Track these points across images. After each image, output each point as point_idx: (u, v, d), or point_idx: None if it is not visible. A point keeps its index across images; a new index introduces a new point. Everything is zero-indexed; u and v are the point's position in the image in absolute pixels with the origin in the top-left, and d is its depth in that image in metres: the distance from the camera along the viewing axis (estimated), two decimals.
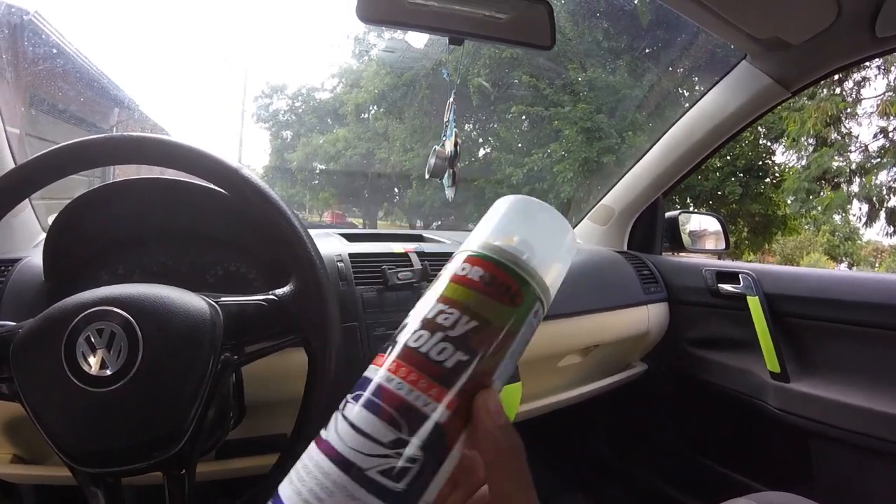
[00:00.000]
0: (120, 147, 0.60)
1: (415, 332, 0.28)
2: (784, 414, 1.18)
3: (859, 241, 10.06)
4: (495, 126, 11.52)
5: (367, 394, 0.27)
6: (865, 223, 8.86)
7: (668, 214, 1.61)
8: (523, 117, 10.77)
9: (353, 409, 0.26)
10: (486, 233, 0.31)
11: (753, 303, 1.23)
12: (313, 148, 13.70)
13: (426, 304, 0.29)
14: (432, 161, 0.90)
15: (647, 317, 1.37)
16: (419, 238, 1.15)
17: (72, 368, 0.48)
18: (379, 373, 0.27)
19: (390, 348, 0.28)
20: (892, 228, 8.62)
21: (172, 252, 0.84)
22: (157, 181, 0.75)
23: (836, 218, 9.53)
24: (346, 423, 0.26)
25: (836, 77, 8.28)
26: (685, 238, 1.61)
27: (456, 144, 0.88)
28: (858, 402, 1.07)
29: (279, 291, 0.60)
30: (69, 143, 0.59)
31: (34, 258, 0.79)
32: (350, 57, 15.26)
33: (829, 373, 1.16)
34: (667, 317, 1.45)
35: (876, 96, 8.22)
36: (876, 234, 9.30)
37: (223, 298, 0.57)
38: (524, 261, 0.30)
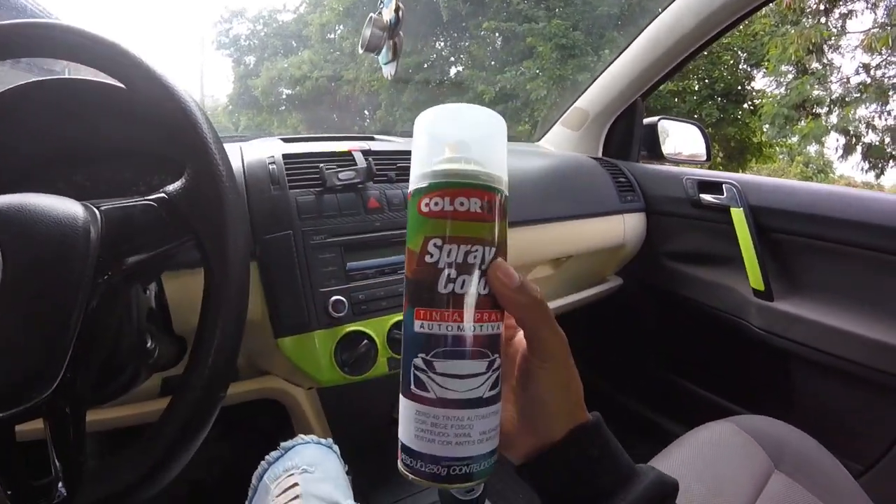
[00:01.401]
0: None
1: (456, 279, 0.31)
2: (766, 334, 1.14)
3: (832, 175, 10.20)
4: (467, 44, 11.25)
5: (450, 348, 0.31)
6: (841, 156, 8.98)
7: (646, 121, 1.51)
8: (496, 34, 10.52)
9: (446, 364, 0.31)
10: (445, 158, 0.33)
11: (737, 215, 1.16)
12: (278, 72, 13.32)
13: (448, 248, 0.31)
14: (367, 32, 0.76)
15: (623, 227, 1.30)
16: (369, 139, 1.03)
17: None
18: (446, 327, 0.31)
19: (430, 299, 0.32)
20: (867, 164, 8.75)
21: (89, 170, 0.74)
22: (49, 84, 0.63)
23: (811, 150, 9.64)
24: (446, 377, 0.31)
25: (823, 7, 8.21)
26: (664, 146, 1.50)
27: (397, 10, 0.74)
28: (844, 326, 1.02)
29: (170, 188, 0.50)
30: None
31: None
32: None
33: (815, 293, 1.11)
34: (644, 228, 1.37)
35: (862, 31, 8.18)
36: (851, 168, 9.43)
37: (106, 203, 0.48)
38: (494, 176, 0.33)
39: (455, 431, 0.31)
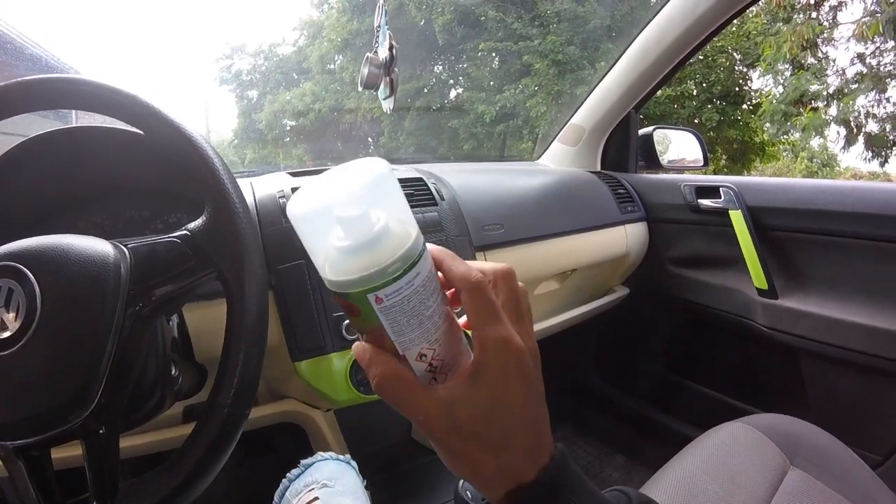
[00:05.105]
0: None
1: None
2: (773, 332, 1.14)
3: (837, 168, 10.12)
4: (465, 66, 11.34)
5: None
6: (843, 147, 8.88)
7: (641, 131, 1.53)
8: (493, 54, 10.60)
9: None
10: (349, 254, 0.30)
11: (736, 217, 1.17)
12: (281, 105, 13.43)
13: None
14: (365, 71, 0.80)
15: (626, 237, 1.31)
16: None
17: None
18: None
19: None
20: (870, 154, 8.65)
21: (108, 210, 0.77)
22: (72, 132, 0.67)
23: (814, 144, 9.59)
24: None
25: (812, 1, 8.18)
26: (661, 154, 1.53)
27: (391, 48, 0.77)
28: (851, 318, 1.02)
29: (192, 225, 0.53)
30: None
31: None
32: (309, 7, 14.73)
33: (819, 288, 1.11)
34: (646, 237, 1.39)
35: (853, 21, 8.14)
36: (855, 158, 9.34)
37: (132, 241, 0.51)
38: (412, 252, 0.30)
39: None
